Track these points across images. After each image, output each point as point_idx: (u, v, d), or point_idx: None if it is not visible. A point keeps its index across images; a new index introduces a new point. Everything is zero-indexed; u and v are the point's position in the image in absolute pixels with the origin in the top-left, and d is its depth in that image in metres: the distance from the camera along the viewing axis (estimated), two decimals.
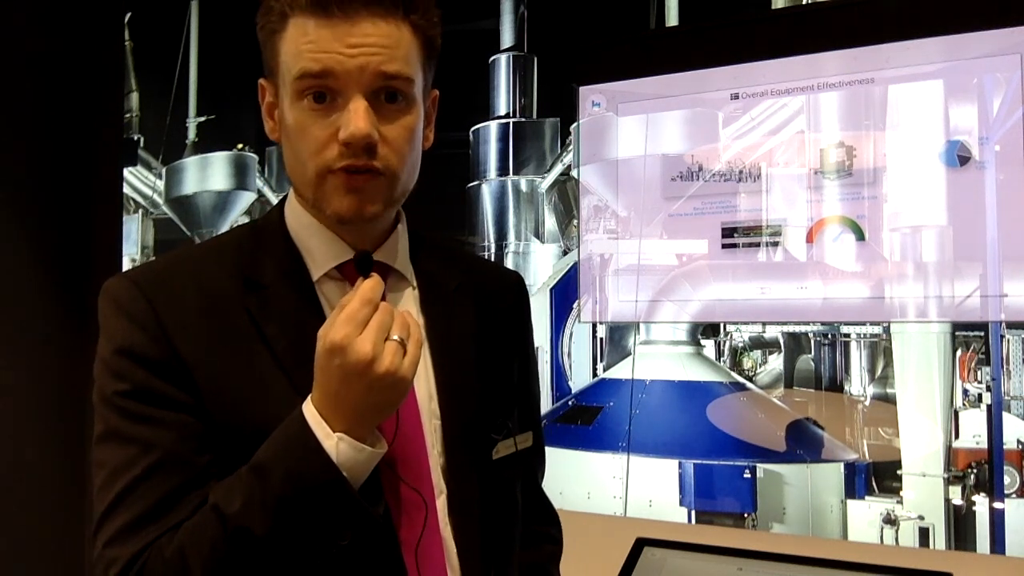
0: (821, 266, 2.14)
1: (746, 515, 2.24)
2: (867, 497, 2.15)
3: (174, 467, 0.76)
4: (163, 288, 0.81)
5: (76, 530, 2.53)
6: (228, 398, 0.78)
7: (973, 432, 2.04)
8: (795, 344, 2.36)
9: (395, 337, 0.74)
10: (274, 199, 3.31)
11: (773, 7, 2.42)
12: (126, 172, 3.14)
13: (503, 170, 2.85)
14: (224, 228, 3.34)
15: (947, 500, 2.04)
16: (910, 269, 2.05)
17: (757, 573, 1.33)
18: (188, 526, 0.74)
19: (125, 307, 0.79)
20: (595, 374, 2.59)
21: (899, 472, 2.09)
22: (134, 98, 3.38)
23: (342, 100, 0.78)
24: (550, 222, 2.83)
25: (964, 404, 2.07)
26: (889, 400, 2.17)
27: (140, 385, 0.77)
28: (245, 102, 3.35)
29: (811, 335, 2.33)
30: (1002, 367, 2.02)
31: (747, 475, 2.23)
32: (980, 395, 2.05)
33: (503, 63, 2.88)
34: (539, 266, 2.83)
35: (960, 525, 2.03)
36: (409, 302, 0.90)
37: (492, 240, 2.89)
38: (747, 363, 2.45)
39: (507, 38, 2.88)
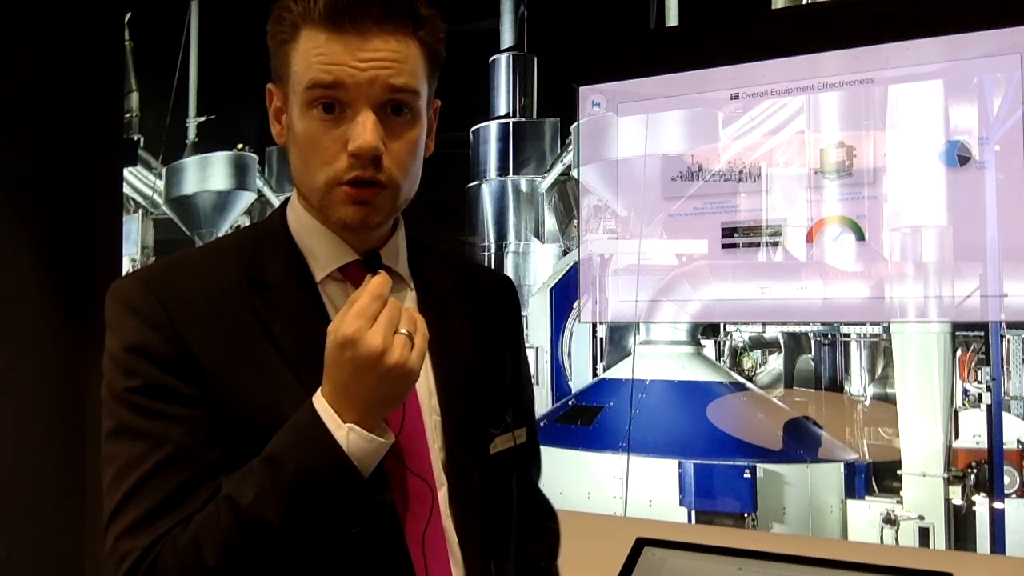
0: (821, 266, 2.14)
1: (746, 515, 2.24)
2: (867, 497, 2.15)
3: (185, 461, 0.78)
4: (172, 288, 0.83)
5: (76, 530, 2.53)
6: (237, 393, 0.81)
7: (973, 432, 2.04)
8: (795, 344, 2.36)
9: (403, 331, 0.77)
10: (274, 199, 3.30)
11: (773, 7, 2.42)
12: (126, 172, 3.14)
13: (503, 170, 2.85)
14: (224, 228, 3.34)
15: (947, 500, 2.04)
16: (910, 269, 2.05)
17: (757, 573, 1.33)
18: (201, 517, 0.76)
19: (136, 306, 0.82)
20: (595, 374, 2.59)
21: (899, 472, 2.09)
22: (134, 98, 3.38)
23: (351, 112, 0.81)
24: (550, 222, 2.83)
25: (964, 404, 2.07)
26: (889, 400, 2.17)
27: (152, 381, 0.79)
28: (245, 102, 3.35)
29: (811, 335, 2.33)
30: (1002, 367, 2.02)
31: (747, 475, 2.23)
32: (980, 395, 2.05)
33: (503, 63, 2.87)
34: (539, 266, 2.83)
35: (960, 525, 2.03)
36: (408, 303, 0.93)
37: (492, 240, 2.89)
38: (747, 363, 2.45)
39: (507, 38, 2.88)
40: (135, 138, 3.37)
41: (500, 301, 1.06)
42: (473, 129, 2.89)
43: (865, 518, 2.14)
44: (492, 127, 2.88)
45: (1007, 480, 1.97)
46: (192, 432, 0.79)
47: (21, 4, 2.47)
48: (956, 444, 2.06)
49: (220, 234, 3.34)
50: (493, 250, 2.89)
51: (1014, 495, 1.96)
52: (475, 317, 0.97)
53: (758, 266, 2.20)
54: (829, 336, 2.29)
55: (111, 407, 0.80)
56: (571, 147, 2.58)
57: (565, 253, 2.76)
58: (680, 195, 2.31)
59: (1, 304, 2.40)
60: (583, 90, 2.46)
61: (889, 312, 2.08)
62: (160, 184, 3.40)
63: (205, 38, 3.32)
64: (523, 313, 2.79)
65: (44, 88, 2.54)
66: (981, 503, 2.00)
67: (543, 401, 2.67)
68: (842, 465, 2.20)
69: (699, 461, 2.30)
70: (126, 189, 3.13)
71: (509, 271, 2.84)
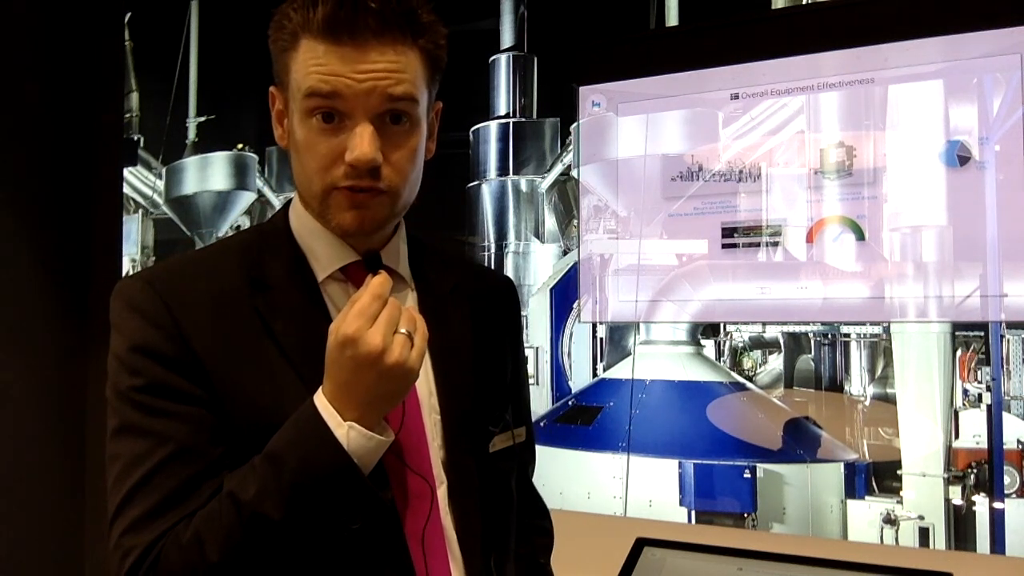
0: (821, 266, 2.14)
1: (746, 515, 2.24)
2: (867, 497, 2.15)
3: (188, 458, 0.79)
4: (175, 288, 0.84)
5: (76, 530, 2.53)
6: (240, 392, 0.82)
7: (973, 432, 2.04)
8: (795, 344, 2.36)
9: (403, 330, 0.78)
10: (274, 199, 3.31)
11: (773, 7, 2.42)
12: (126, 172, 3.14)
13: (503, 170, 2.85)
14: (224, 228, 3.34)
15: (947, 500, 2.04)
16: (910, 269, 2.05)
17: (757, 573, 1.33)
18: (203, 514, 0.77)
19: (140, 307, 0.83)
20: (595, 374, 2.59)
21: (899, 472, 2.09)
22: (134, 98, 3.38)
23: (350, 122, 0.82)
24: (550, 222, 2.83)
25: (964, 404, 2.07)
26: (889, 400, 2.17)
27: (156, 380, 0.80)
28: (245, 102, 3.35)
29: (811, 335, 2.33)
30: (1002, 367, 2.02)
31: (747, 475, 2.23)
32: (980, 395, 2.05)
33: (503, 63, 2.87)
34: (539, 266, 2.83)
35: (960, 525, 2.03)
36: (408, 303, 0.94)
37: (492, 240, 2.89)
38: (747, 363, 2.45)
39: (507, 38, 2.88)
40: (135, 138, 3.38)
41: (500, 301, 1.07)
42: (473, 129, 2.89)
43: (865, 518, 2.14)
44: (492, 127, 2.88)
45: (1007, 480, 1.97)
46: (195, 430, 0.80)
47: (21, 4, 2.47)
48: (956, 444, 2.06)
49: (220, 234, 3.34)
50: (493, 250, 2.89)
51: (1014, 495, 1.96)
52: (475, 317, 0.98)
53: (758, 266, 2.20)
54: (829, 336, 2.29)
55: (116, 406, 0.81)
56: (571, 147, 2.58)
57: (565, 253, 2.76)
58: (680, 195, 2.31)
59: (1, 304, 2.40)
60: (583, 90, 2.46)
61: (889, 312, 2.08)
62: (160, 184, 3.40)
63: (205, 38, 3.32)
64: (523, 313, 2.80)
65: (44, 88, 2.54)
66: (981, 503, 2.00)
67: (543, 401, 2.67)
68: (842, 465, 2.20)
69: (699, 461, 2.30)
70: (126, 189, 3.13)
71: (509, 271, 2.84)
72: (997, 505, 1.97)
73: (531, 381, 2.70)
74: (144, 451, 0.79)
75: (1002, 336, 2.02)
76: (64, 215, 2.59)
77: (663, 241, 2.34)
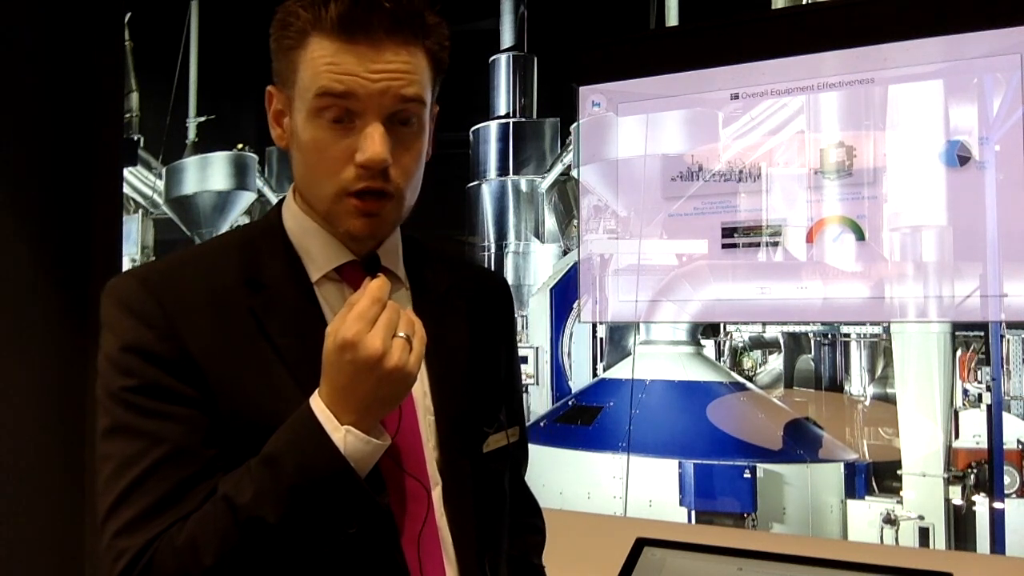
0: (821, 266, 2.14)
1: (746, 515, 2.24)
2: (867, 497, 2.15)
3: (182, 460, 0.78)
4: (169, 287, 0.83)
5: (76, 530, 2.53)
6: (234, 393, 0.81)
7: (973, 432, 2.04)
8: (795, 344, 2.36)
9: (401, 334, 0.77)
10: (274, 199, 3.31)
11: (773, 7, 2.42)
12: (126, 172, 3.14)
13: (503, 170, 2.85)
14: (224, 228, 3.34)
15: (947, 500, 2.04)
16: (910, 269, 2.05)
17: (757, 573, 1.33)
18: (198, 516, 0.76)
19: (133, 306, 0.81)
20: (595, 374, 2.59)
21: (899, 472, 2.09)
22: (134, 98, 3.38)
23: (360, 122, 0.81)
24: (550, 222, 2.83)
25: (964, 404, 2.07)
26: (889, 400, 2.17)
27: (149, 381, 0.79)
28: (245, 102, 3.35)
29: (811, 335, 2.33)
30: (1002, 367, 2.02)
31: (747, 475, 2.23)
32: (980, 395, 2.05)
33: (503, 63, 2.88)
34: (539, 266, 2.83)
35: (960, 525, 2.03)
36: (403, 303, 0.93)
37: (492, 240, 2.89)
38: (747, 363, 2.45)
39: (507, 38, 2.88)
40: (135, 138, 3.38)
41: (495, 301, 1.06)
42: (473, 129, 2.89)
43: (865, 518, 2.14)
44: (492, 127, 2.88)
45: (1007, 480, 1.97)
46: (189, 431, 0.79)
47: (21, 4, 2.47)
48: (956, 444, 2.06)
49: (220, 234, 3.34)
50: (493, 250, 2.89)
51: (1014, 495, 1.96)
52: (470, 316, 0.98)
53: (758, 266, 2.20)
54: (829, 336, 2.29)
55: (107, 406, 0.80)
56: (571, 147, 2.58)
57: (565, 253, 2.76)
58: (680, 195, 2.31)
59: (1, 304, 2.40)
60: (583, 90, 2.46)
61: (889, 312, 2.08)
62: (160, 184, 3.40)
63: (205, 38, 3.32)
64: (523, 313, 2.80)
65: (44, 88, 2.54)
66: (981, 503, 2.00)
67: (543, 401, 2.67)
68: (842, 465, 2.20)
69: (699, 461, 2.30)
70: (126, 189, 3.13)
71: (509, 271, 2.84)
72: (997, 505, 1.97)
73: (531, 381, 2.70)
74: (137, 452, 0.78)
75: (1002, 336, 2.02)
76: (64, 215, 2.59)
77: (663, 241, 2.34)
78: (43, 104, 2.55)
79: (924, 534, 2.06)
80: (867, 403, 2.22)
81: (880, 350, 2.22)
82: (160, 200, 3.40)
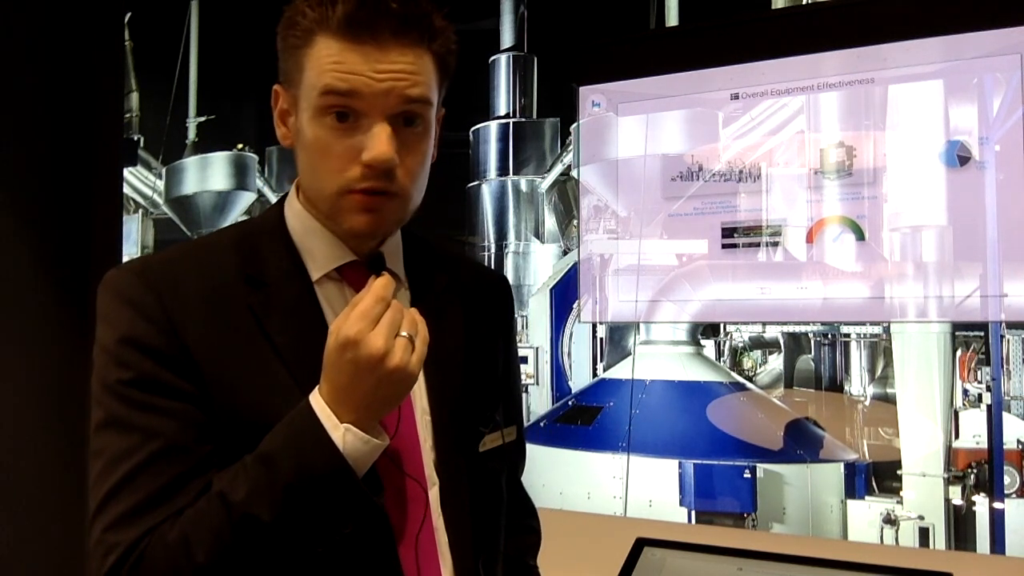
0: (821, 266, 2.14)
1: (746, 515, 2.24)
2: (867, 497, 2.15)
3: (176, 455, 0.77)
4: (167, 281, 0.82)
5: (76, 530, 2.53)
6: (231, 389, 0.80)
7: (973, 432, 2.04)
8: (795, 344, 2.36)
9: (404, 333, 0.77)
10: (274, 199, 3.30)
11: (773, 7, 2.42)
12: (126, 172, 3.14)
13: (503, 170, 2.85)
14: None
15: (947, 500, 2.04)
16: (910, 269, 2.05)
17: (757, 573, 1.33)
18: (191, 513, 0.75)
19: (130, 298, 0.81)
20: (595, 374, 2.59)
21: (899, 472, 2.09)
22: (134, 98, 3.38)
23: (365, 122, 0.80)
24: (550, 222, 2.83)
25: (964, 404, 2.07)
26: (889, 400, 2.17)
27: (145, 374, 0.78)
28: (245, 102, 3.35)
29: (811, 335, 2.33)
30: (1002, 367, 2.02)
31: (747, 475, 2.23)
32: (980, 395, 2.05)
33: (503, 63, 2.88)
34: (539, 266, 2.83)
35: (960, 525, 2.03)
36: (403, 302, 0.92)
37: (492, 240, 2.89)
38: (747, 363, 2.45)
39: (507, 38, 2.88)
40: (135, 138, 3.38)
41: (494, 299, 1.06)
42: (473, 129, 2.89)
43: (865, 518, 2.14)
44: (492, 127, 2.88)
45: (1007, 480, 1.97)
46: (184, 427, 0.78)
47: (21, 4, 2.47)
48: (956, 444, 2.06)
49: None
50: (493, 250, 2.89)
51: (1014, 495, 1.96)
52: (468, 314, 0.97)
53: (758, 266, 2.20)
54: (829, 336, 2.29)
55: (102, 399, 0.80)
56: (571, 147, 2.58)
57: (565, 253, 2.76)
58: (680, 195, 2.31)
59: (1, 304, 2.40)
60: (583, 90, 2.46)
61: (889, 312, 2.08)
62: (160, 184, 3.40)
63: (205, 38, 3.32)
64: (523, 313, 2.80)
65: (44, 88, 2.54)
66: (981, 503, 2.00)
67: (543, 401, 2.67)
68: (842, 465, 2.20)
69: (699, 461, 2.30)
70: (126, 189, 3.13)
71: (509, 271, 2.84)
72: (997, 505, 1.97)
73: (531, 381, 2.70)
74: (131, 446, 0.77)
75: (1002, 336, 2.02)
76: (64, 215, 2.59)
77: (663, 241, 2.34)
78: (43, 104, 2.55)
79: (924, 534, 2.06)
80: (867, 403, 2.22)
81: (880, 350, 2.22)
82: (160, 200, 3.40)
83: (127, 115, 3.25)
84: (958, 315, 2.00)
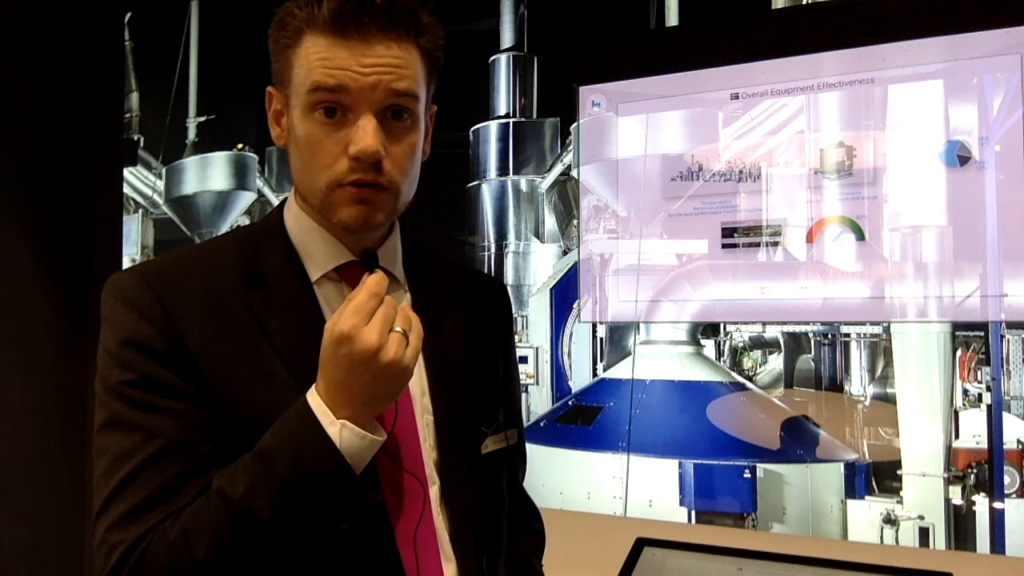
0: (821, 266, 2.14)
1: (746, 515, 2.24)
2: (867, 497, 2.15)
3: (177, 454, 0.79)
4: (168, 283, 0.84)
5: (76, 530, 2.53)
6: (231, 388, 0.81)
7: (973, 432, 2.04)
8: (795, 344, 2.36)
9: (398, 329, 0.77)
10: (274, 199, 3.30)
11: (773, 7, 2.42)
12: (126, 172, 3.14)
13: (503, 170, 2.85)
14: (224, 228, 3.34)
15: (947, 500, 2.04)
16: (910, 269, 2.05)
17: (757, 573, 1.33)
18: (191, 510, 0.76)
19: (132, 300, 0.82)
20: (595, 374, 2.59)
21: (899, 472, 2.09)
22: (134, 98, 3.38)
23: (352, 116, 0.82)
24: (550, 222, 2.83)
25: (964, 404, 2.07)
26: (889, 400, 2.17)
27: (147, 375, 0.79)
28: (245, 102, 3.35)
29: (811, 335, 2.33)
30: (1002, 367, 2.01)
31: (747, 475, 2.23)
32: (980, 395, 2.05)
33: (503, 63, 2.87)
34: (539, 266, 2.83)
35: (960, 525, 2.03)
36: (402, 304, 0.92)
37: (492, 240, 2.89)
38: (747, 363, 2.45)
39: (507, 38, 2.88)
40: (135, 138, 3.37)
41: (493, 305, 1.07)
42: (473, 129, 2.89)
43: (865, 518, 2.14)
44: (492, 127, 2.88)
45: (1007, 480, 1.97)
46: (185, 426, 0.79)
47: (21, 4, 2.47)
48: (956, 444, 2.06)
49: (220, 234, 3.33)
50: (493, 250, 2.89)
51: (1014, 495, 1.96)
52: (468, 319, 0.98)
53: (758, 266, 2.20)
54: (829, 336, 2.29)
55: (104, 400, 0.81)
56: (571, 147, 2.58)
57: (565, 253, 2.76)
58: (680, 195, 2.31)
59: (1, 304, 2.40)
60: (583, 90, 2.46)
61: (889, 312, 2.08)
62: (160, 184, 3.40)
63: (205, 38, 3.32)
64: (523, 313, 2.80)
65: (44, 88, 2.54)
66: (981, 503, 2.00)
67: (543, 401, 2.67)
68: (842, 465, 2.20)
69: (699, 461, 2.30)
70: (126, 189, 3.13)
71: (509, 271, 2.84)
72: (997, 505, 1.97)
73: (531, 381, 2.70)
74: (132, 446, 0.78)
75: (1002, 336, 2.02)
76: (64, 215, 2.59)
77: (663, 241, 2.34)
78: (43, 104, 2.55)
79: (924, 534, 2.06)
80: (867, 403, 2.22)
81: (880, 350, 2.22)
82: (160, 200, 3.40)
83: (127, 115, 3.25)
84: (958, 315, 2.00)
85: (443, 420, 0.91)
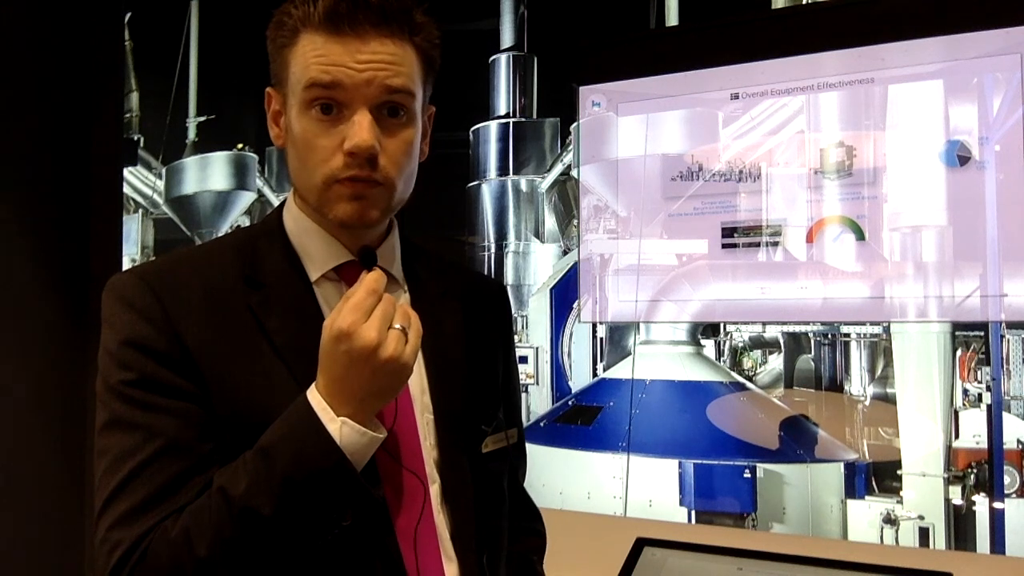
0: (821, 266, 2.14)
1: (746, 515, 2.24)
2: (867, 497, 2.15)
3: (178, 453, 0.79)
4: (168, 283, 0.84)
5: (76, 530, 2.53)
6: (231, 387, 0.82)
7: (973, 432, 2.04)
8: (795, 344, 2.36)
9: (397, 326, 0.78)
10: (274, 199, 3.30)
11: (773, 7, 2.42)
12: (126, 172, 3.14)
13: (503, 170, 2.85)
14: (224, 228, 3.34)
15: (947, 500, 2.04)
16: (910, 269, 2.05)
17: (757, 573, 1.33)
18: (192, 508, 0.77)
19: (132, 301, 0.82)
20: (595, 374, 2.59)
21: (899, 472, 2.09)
22: (134, 98, 3.38)
23: (348, 112, 0.82)
24: (550, 222, 2.83)
25: (964, 404, 2.07)
26: (889, 400, 2.17)
27: (147, 375, 0.80)
28: (245, 102, 3.35)
29: (811, 335, 2.33)
30: (1002, 367, 2.01)
31: (747, 475, 2.23)
32: (980, 395, 2.05)
33: (503, 63, 2.87)
34: (539, 266, 2.83)
35: (960, 525, 2.03)
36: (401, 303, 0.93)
37: (492, 240, 2.89)
38: (747, 363, 2.45)
39: (507, 38, 2.88)
40: (135, 138, 3.37)
41: (493, 305, 1.08)
42: (473, 129, 2.89)
43: (865, 518, 2.14)
44: (492, 127, 2.88)
45: (1007, 480, 1.97)
46: (185, 425, 0.80)
47: (21, 4, 2.47)
48: (956, 444, 2.06)
49: (220, 234, 3.33)
50: (493, 250, 2.89)
51: (1014, 495, 1.96)
52: (467, 319, 0.99)
53: (758, 266, 2.20)
54: (829, 336, 2.29)
55: (106, 400, 0.81)
56: (571, 147, 2.58)
57: (565, 253, 2.76)
58: (680, 195, 2.31)
59: (1, 304, 2.40)
60: (583, 90, 2.46)
61: (889, 312, 2.08)
62: (160, 184, 3.40)
63: (205, 38, 3.32)
64: (523, 313, 2.80)
65: (44, 88, 2.54)
66: (981, 503, 2.00)
67: (543, 401, 2.67)
68: (842, 465, 2.20)
69: (699, 461, 2.30)
70: (126, 189, 3.13)
71: (509, 271, 2.84)
72: (997, 505, 1.97)
73: (531, 381, 2.70)
74: (133, 445, 0.78)
75: (1002, 336, 2.02)
76: (64, 215, 2.60)
77: (663, 241, 2.34)
78: (43, 104, 2.55)
79: (924, 534, 2.06)
80: (867, 403, 2.22)
81: (880, 350, 2.22)
82: (160, 200, 3.40)
83: (127, 115, 3.25)
84: (958, 315, 2.00)
85: (443, 419, 0.91)
